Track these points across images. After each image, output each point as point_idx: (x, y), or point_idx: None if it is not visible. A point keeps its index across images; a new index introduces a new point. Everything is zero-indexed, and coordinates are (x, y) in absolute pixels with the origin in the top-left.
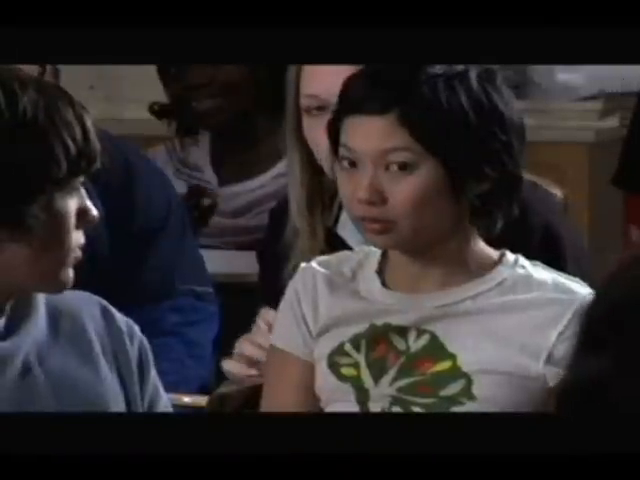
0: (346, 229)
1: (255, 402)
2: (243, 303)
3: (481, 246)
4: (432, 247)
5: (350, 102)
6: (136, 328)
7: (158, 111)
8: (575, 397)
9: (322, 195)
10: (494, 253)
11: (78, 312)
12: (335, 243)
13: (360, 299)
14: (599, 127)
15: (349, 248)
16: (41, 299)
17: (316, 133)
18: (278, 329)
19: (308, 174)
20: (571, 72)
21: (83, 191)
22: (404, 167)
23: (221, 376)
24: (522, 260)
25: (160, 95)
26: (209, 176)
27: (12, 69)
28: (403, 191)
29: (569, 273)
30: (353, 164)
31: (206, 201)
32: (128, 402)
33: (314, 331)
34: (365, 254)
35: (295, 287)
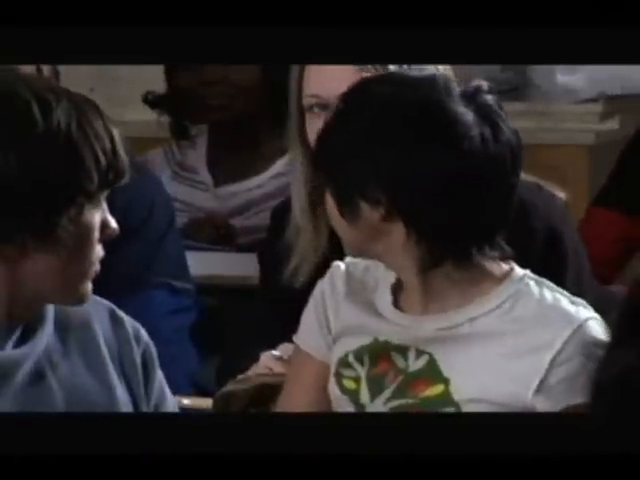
0: None
1: (260, 401)
2: (243, 305)
3: (484, 265)
4: (402, 268)
5: None
6: (142, 332)
7: (152, 101)
8: (610, 393)
9: (325, 193)
10: (500, 270)
11: (88, 317)
12: (338, 242)
13: (373, 312)
14: (599, 129)
15: None
16: (50, 306)
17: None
18: (302, 329)
19: (311, 173)
20: (571, 74)
21: (105, 204)
22: None
23: (220, 376)
24: (528, 277)
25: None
26: (204, 177)
27: (45, 79)
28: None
29: (570, 277)
30: None
31: (220, 230)
32: (136, 408)
33: (333, 335)
34: None
35: (322, 287)
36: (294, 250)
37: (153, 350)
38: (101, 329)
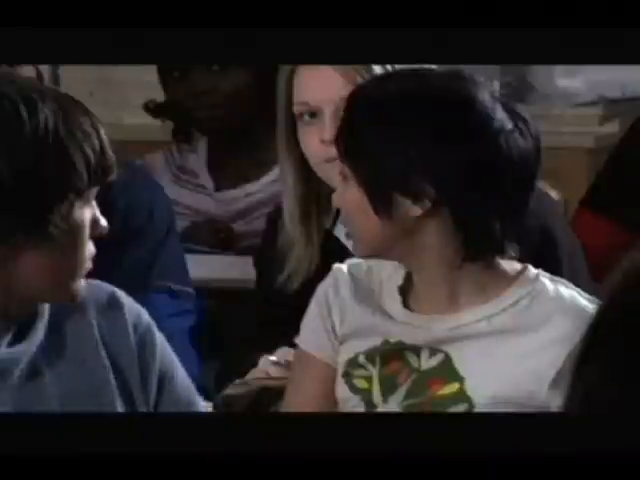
0: (343, 231)
1: (260, 404)
2: (242, 309)
3: (499, 264)
4: (425, 266)
5: None
6: (144, 316)
7: (153, 109)
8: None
9: (317, 200)
10: (514, 269)
11: (83, 311)
12: (333, 245)
13: (381, 314)
14: (598, 132)
15: (345, 250)
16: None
17: (309, 139)
18: (306, 331)
19: (301, 182)
20: (571, 78)
21: (94, 202)
22: (342, 177)
23: (219, 380)
24: (542, 276)
25: (159, 100)
26: (205, 180)
27: (30, 80)
28: (342, 200)
29: (564, 276)
30: None
31: (220, 234)
32: (132, 401)
33: (340, 337)
34: (395, 266)
35: (325, 290)
36: (287, 258)
37: (155, 335)
38: (96, 319)
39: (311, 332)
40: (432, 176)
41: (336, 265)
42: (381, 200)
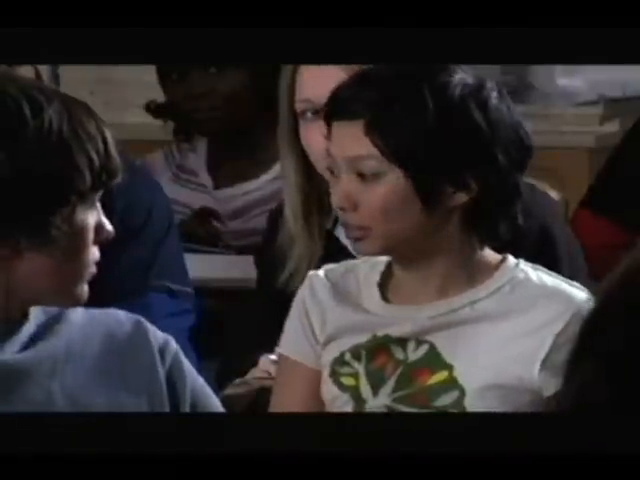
0: (344, 231)
1: (262, 403)
2: (242, 309)
3: (481, 253)
4: (427, 257)
5: (328, 107)
6: (171, 343)
7: (154, 110)
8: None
9: (319, 199)
10: (494, 258)
11: (109, 332)
12: (333, 245)
13: (363, 311)
14: (599, 132)
15: (346, 250)
16: (73, 315)
17: (311, 137)
18: (286, 338)
19: (303, 179)
20: (571, 77)
21: (99, 207)
22: (370, 175)
23: (219, 380)
24: (523, 264)
25: (160, 101)
26: (204, 179)
27: (36, 81)
28: (370, 199)
29: (563, 276)
30: (332, 172)
31: (211, 228)
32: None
33: (321, 340)
34: (371, 265)
35: (302, 296)
36: (289, 256)
37: (182, 362)
38: (121, 344)
39: (291, 337)
40: (479, 161)
41: (311, 272)
42: (432, 190)
